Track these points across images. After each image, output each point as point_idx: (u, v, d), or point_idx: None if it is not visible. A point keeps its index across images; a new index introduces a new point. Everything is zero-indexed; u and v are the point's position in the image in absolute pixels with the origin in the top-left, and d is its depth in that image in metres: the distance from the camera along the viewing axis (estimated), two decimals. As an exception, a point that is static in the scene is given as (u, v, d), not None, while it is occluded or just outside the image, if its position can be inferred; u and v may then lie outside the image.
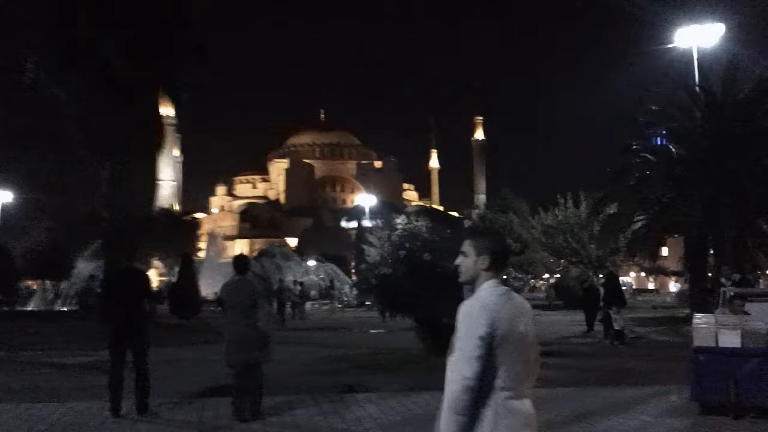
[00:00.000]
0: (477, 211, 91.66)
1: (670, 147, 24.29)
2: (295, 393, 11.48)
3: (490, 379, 3.40)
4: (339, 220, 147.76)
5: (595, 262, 42.01)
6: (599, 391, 12.11)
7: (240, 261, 10.07)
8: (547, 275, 63.67)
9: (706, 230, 21.08)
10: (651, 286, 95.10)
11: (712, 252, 23.03)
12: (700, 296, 20.05)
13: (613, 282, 23.74)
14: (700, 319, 10.53)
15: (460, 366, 3.41)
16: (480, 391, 3.36)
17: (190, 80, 29.25)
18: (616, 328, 21.72)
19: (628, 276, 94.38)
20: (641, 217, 24.37)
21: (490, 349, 3.38)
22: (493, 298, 3.52)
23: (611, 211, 26.21)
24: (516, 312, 3.54)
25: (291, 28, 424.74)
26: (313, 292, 59.31)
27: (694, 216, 20.63)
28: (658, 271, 57.82)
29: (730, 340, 9.78)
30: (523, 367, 3.52)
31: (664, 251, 51.14)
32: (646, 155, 24.32)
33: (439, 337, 17.22)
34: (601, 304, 23.15)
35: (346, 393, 11.89)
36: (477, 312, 3.47)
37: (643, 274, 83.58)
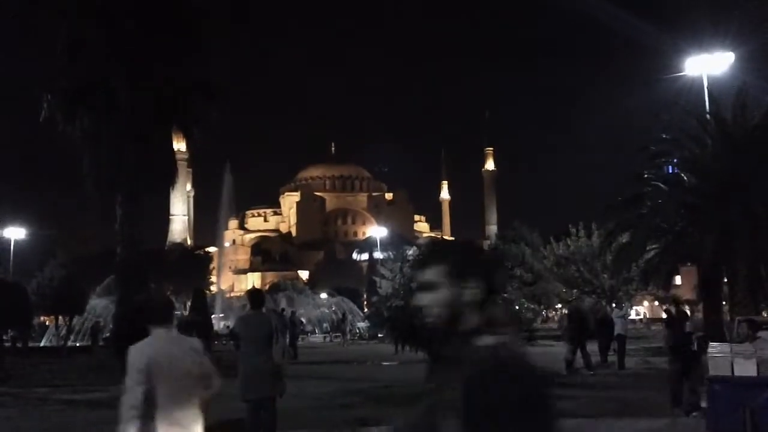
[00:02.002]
0: (488, 241, 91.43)
1: (682, 175, 24.18)
2: (307, 427, 11.40)
3: (152, 402, 4.70)
4: (351, 253, 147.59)
5: (608, 292, 41.82)
6: (613, 423, 11.99)
7: (255, 295, 10.03)
8: (559, 306, 63.29)
9: (719, 259, 20.92)
10: (665, 315, 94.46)
11: (726, 281, 22.85)
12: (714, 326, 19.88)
13: (579, 316, 24.05)
14: (715, 348, 10.44)
15: (127, 392, 4.73)
16: (146, 410, 4.67)
17: (201, 116, 29.40)
18: (568, 358, 22.13)
19: (642, 305, 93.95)
20: (654, 246, 24.19)
21: (149, 379, 4.71)
22: (156, 342, 4.98)
23: (624, 240, 26.04)
24: (178, 353, 4.98)
25: (301, 63, 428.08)
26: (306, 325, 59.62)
27: (707, 244, 20.45)
28: (671, 300, 57.54)
29: (746, 369, 9.68)
30: (180, 393, 4.85)
31: (678, 280, 50.68)
32: (658, 184, 24.19)
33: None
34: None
35: (359, 427, 11.81)
36: (139, 351, 4.89)
37: (656, 303, 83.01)
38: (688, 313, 19.42)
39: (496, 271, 2.38)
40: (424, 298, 2.38)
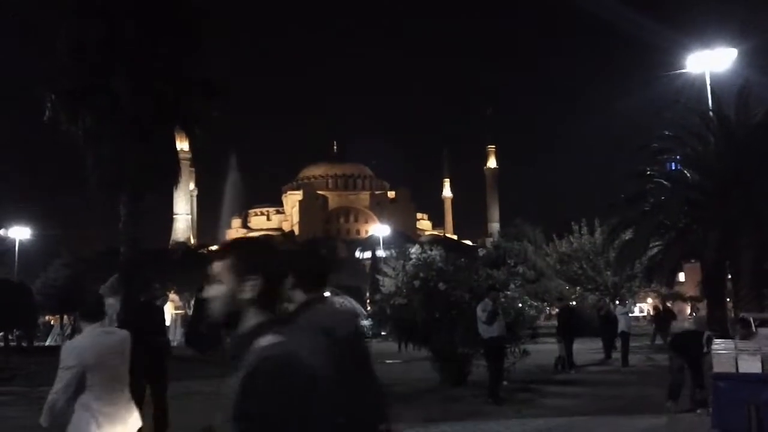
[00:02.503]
0: (491, 239, 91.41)
1: (685, 172, 24.18)
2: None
3: (83, 393, 5.09)
4: (353, 251, 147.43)
5: (612, 289, 41.78)
6: (617, 421, 11.98)
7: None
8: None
9: (723, 255, 20.92)
10: (653, 312, 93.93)
11: (729, 277, 22.85)
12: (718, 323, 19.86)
13: (570, 314, 24.09)
14: (719, 345, 10.42)
15: (55, 386, 5.12)
16: (79, 402, 5.08)
17: (202, 114, 29.37)
18: (562, 356, 22.18)
19: (645, 302, 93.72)
20: (657, 243, 24.19)
21: (81, 374, 5.08)
22: (87, 339, 5.31)
23: (627, 237, 26.03)
24: (108, 347, 5.36)
25: (302, 62, 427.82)
26: None
27: (710, 241, 20.46)
28: (675, 297, 57.41)
29: (751, 365, 9.66)
30: (113, 384, 5.32)
31: (681, 277, 50.52)
32: (661, 181, 24.20)
33: (454, 367, 17.12)
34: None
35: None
36: (70, 349, 5.29)
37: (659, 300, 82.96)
38: (675, 311, 19.49)
39: (280, 267, 2.39)
40: (209, 290, 2.37)
